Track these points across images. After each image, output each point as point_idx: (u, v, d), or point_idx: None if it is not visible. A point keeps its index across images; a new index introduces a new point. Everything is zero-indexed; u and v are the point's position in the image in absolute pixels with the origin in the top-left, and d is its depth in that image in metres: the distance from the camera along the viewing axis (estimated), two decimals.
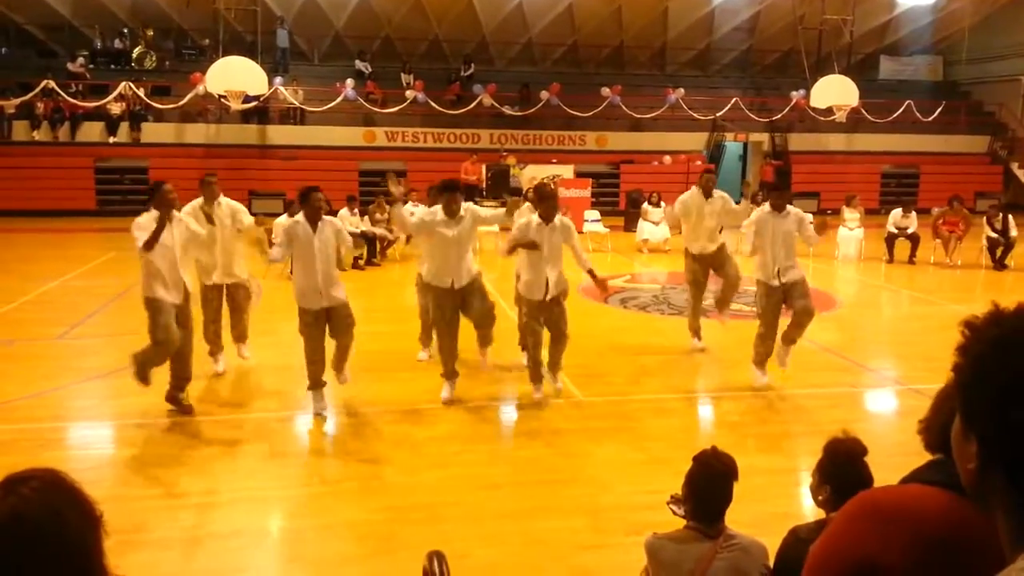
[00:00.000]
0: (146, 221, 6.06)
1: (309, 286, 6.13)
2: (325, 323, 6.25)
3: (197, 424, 6.19)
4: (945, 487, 1.31)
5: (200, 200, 7.14)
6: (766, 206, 7.15)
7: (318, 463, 5.72)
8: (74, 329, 9.01)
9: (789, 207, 7.09)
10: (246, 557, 4.38)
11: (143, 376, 6.05)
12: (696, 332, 8.30)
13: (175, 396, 6.30)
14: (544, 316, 6.61)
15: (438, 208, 6.47)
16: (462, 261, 6.49)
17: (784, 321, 7.09)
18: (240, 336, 7.49)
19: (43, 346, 8.37)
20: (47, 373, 7.39)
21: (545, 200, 6.57)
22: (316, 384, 6.32)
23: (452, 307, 6.52)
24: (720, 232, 8.32)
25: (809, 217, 7.42)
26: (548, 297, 6.53)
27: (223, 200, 7.25)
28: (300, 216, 6.21)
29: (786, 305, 7.04)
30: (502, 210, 7.00)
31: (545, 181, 8.34)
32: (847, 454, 2.69)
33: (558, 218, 6.56)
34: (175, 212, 6.23)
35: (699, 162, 21.72)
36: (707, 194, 8.08)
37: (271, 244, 6.26)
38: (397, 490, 5.15)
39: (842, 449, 2.71)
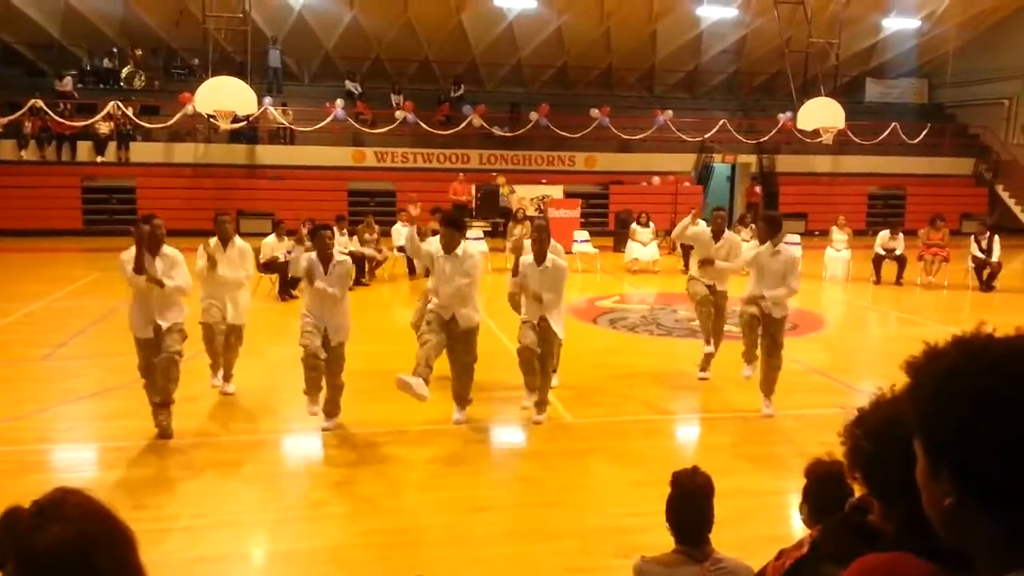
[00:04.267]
0: (127, 256, 6.04)
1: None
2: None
3: (183, 447, 6.12)
4: (936, 558, 1.32)
5: (215, 240, 7.10)
6: (757, 245, 7.07)
7: (303, 486, 5.67)
8: (59, 350, 8.94)
9: (783, 247, 6.98)
10: None
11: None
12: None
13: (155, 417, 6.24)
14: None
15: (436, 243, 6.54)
16: (460, 301, 6.45)
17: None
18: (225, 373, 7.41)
19: (28, 367, 8.29)
20: (32, 394, 7.31)
21: (539, 232, 6.67)
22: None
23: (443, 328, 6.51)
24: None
25: (797, 246, 7.37)
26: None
27: (237, 242, 7.20)
28: (313, 255, 6.26)
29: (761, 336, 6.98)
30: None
31: (542, 219, 8.38)
32: (829, 475, 2.71)
33: (550, 258, 6.61)
34: (166, 249, 6.16)
35: (687, 183, 21.86)
36: (716, 236, 7.90)
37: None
38: (383, 513, 5.11)
39: (825, 470, 2.73)
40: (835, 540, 1.82)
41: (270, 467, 5.93)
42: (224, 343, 7.20)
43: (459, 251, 6.45)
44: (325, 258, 6.26)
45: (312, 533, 4.85)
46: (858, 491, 2.65)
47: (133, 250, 6.00)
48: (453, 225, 6.55)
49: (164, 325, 6.07)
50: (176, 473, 5.70)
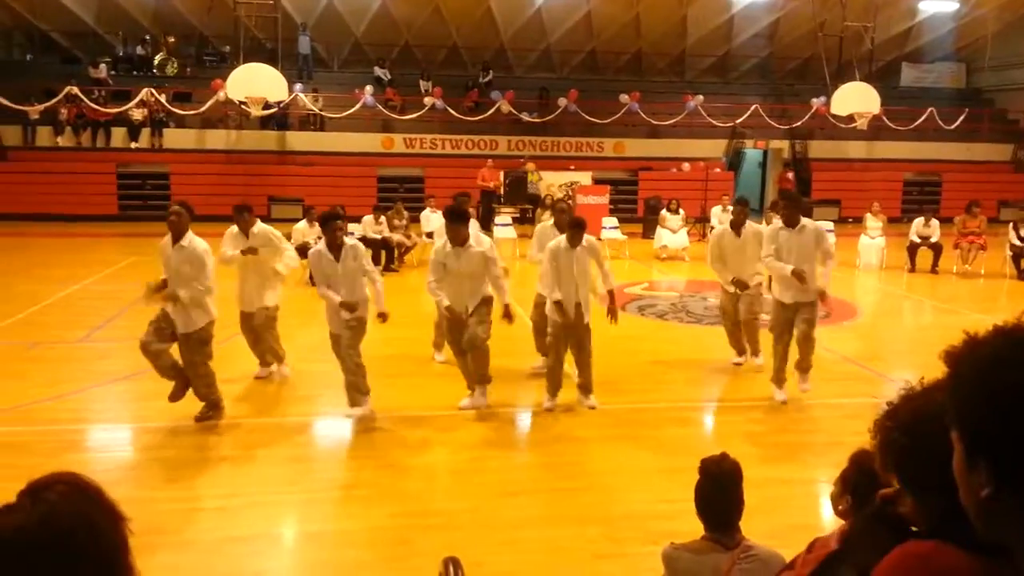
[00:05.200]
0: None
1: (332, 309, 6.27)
2: None
3: (217, 428, 6.22)
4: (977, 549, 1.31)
5: (235, 229, 7.19)
6: (777, 222, 6.96)
7: (335, 468, 5.73)
8: (95, 332, 9.10)
9: (806, 221, 6.82)
10: (263, 561, 4.40)
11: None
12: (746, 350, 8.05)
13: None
14: (570, 335, 6.65)
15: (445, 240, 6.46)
16: (472, 291, 6.49)
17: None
18: (260, 356, 7.48)
19: (65, 349, 8.45)
20: (69, 376, 7.46)
21: (574, 227, 6.56)
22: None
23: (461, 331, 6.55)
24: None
25: (830, 232, 7.19)
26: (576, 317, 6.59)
27: (257, 228, 7.24)
28: (322, 245, 6.25)
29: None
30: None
31: (565, 203, 8.32)
32: (873, 466, 2.65)
33: (585, 239, 6.59)
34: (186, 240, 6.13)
35: (718, 169, 21.63)
36: (737, 229, 7.71)
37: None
38: (413, 496, 5.15)
39: (869, 460, 2.67)
40: (866, 534, 1.79)
41: (300, 449, 6.00)
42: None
43: (471, 241, 6.42)
44: (336, 247, 6.20)
45: (342, 515, 4.90)
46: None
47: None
48: (458, 219, 6.45)
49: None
50: (208, 454, 5.79)
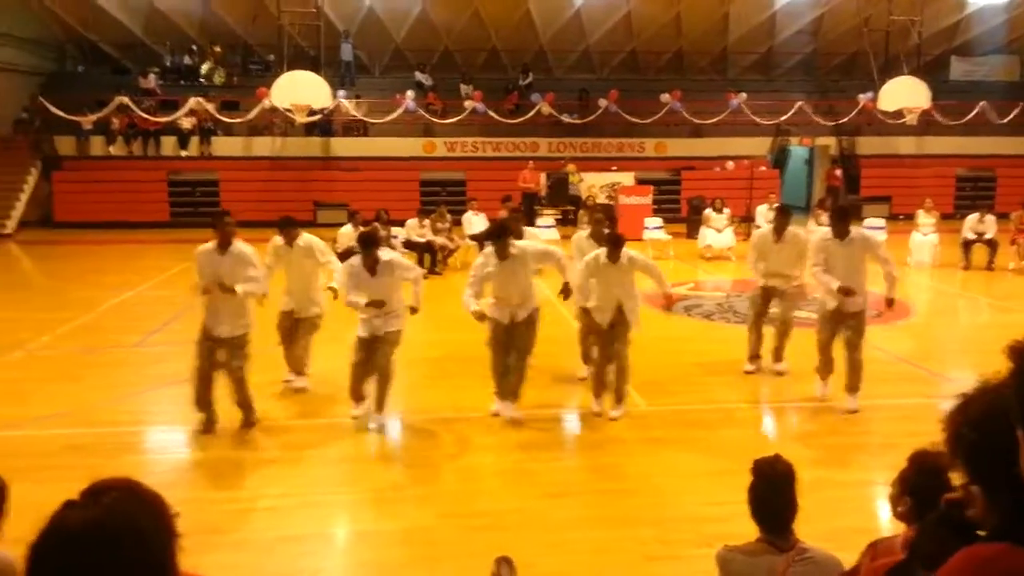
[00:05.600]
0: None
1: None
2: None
3: (267, 430, 6.33)
4: None
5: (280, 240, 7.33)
6: (828, 233, 6.80)
7: (383, 469, 5.79)
8: (150, 337, 9.33)
9: (853, 230, 6.69)
10: (315, 560, 4.46)
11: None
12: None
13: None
14: (604, 340, 6.64)
15: (490, 253, 6.44)
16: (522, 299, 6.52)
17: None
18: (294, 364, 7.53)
19: (121, 353, 8.68)
20: (125, 379, 7.67)
21: (613, 243, 6.51)
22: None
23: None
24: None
25: (881, 230, 7.07)
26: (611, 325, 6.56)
27: (301, 240, 7.35)
28: (357, 261, 6.32)
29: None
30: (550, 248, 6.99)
31: (600, 211, 8.25)
32: (934, 467, 2.60)
33: (624, 254, 6.51)
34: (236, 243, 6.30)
35: (763, 167, 21.35)
36: (778, 234, 7.60)
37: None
38: (461, 497, 5.18)
39: (929, 461, 2.61)
40: (933, 541, 1.75)
41: (351, 450, 6.08)
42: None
43: (514, 251, 6.39)
44: (372, 265, 6.25)
45: (391, 515, 4.95)
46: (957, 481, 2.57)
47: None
48: (501, 235, 6.43)
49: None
50: (261, 455, 5.89)
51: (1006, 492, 1.42)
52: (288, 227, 7.33)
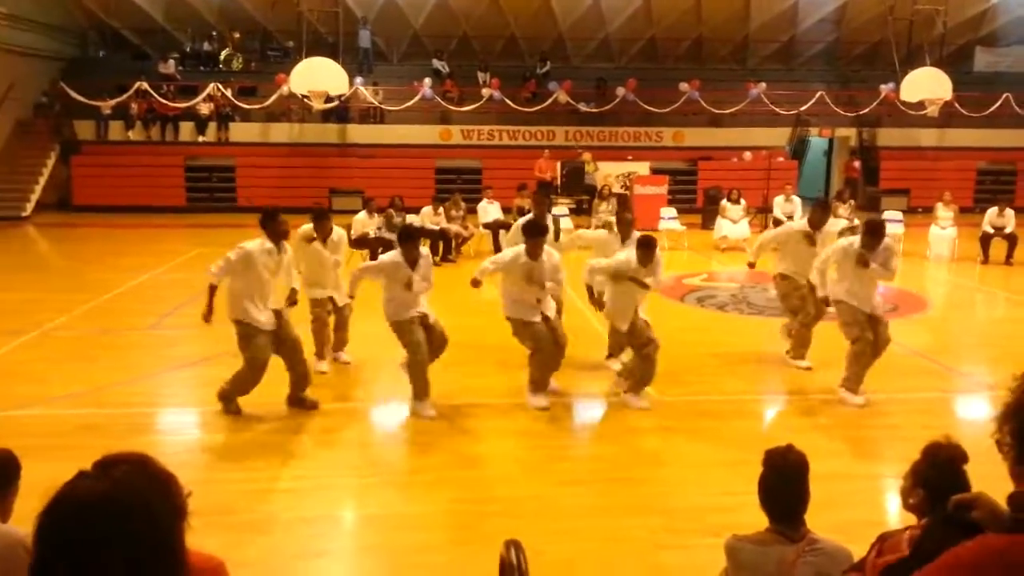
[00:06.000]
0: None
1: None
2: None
3: (282, 414, 6.36)
4: None
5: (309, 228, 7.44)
6: (855, 243, 6.66)
7: (396, 454, 5.82)
8: (164, 320, 9.40)
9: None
10: (326, 542, 4.49)
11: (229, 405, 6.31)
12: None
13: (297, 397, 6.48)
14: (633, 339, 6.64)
15: (520, 251, 6.45)
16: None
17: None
18: (339, 344, 7.75)
19: (136, 336, 8.75)
20: (139, 361, 7.73)
21: (647, 249, 6.45)
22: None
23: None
24: None
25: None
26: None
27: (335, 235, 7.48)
28: (399, 257, 6.31)
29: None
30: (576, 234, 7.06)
31: (617, 194, 8.21)
32: (948, 460, 2.57)
33: (657, 259, 6.54)
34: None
35: (781, 158, 21.17)
36: (813, 236, 7.53)
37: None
38: (473, 483, 5.20)
39: (943, 454, 2.59)
40: (937, 540, 1.73)
41: (365, 435, 6.11)
42: (338, 317, 7.65)
43: (544, 257, 6.41)
44: (413, 262, 6.29)
45: (404, 499, 4.98)
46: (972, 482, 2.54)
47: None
48: (539, 234, 6.45)
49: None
50: (276, 438, 5.92)
51: None
52: (322, 219, 7.38)
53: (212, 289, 6.17)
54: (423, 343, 6.27)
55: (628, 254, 6.56)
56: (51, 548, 1.27)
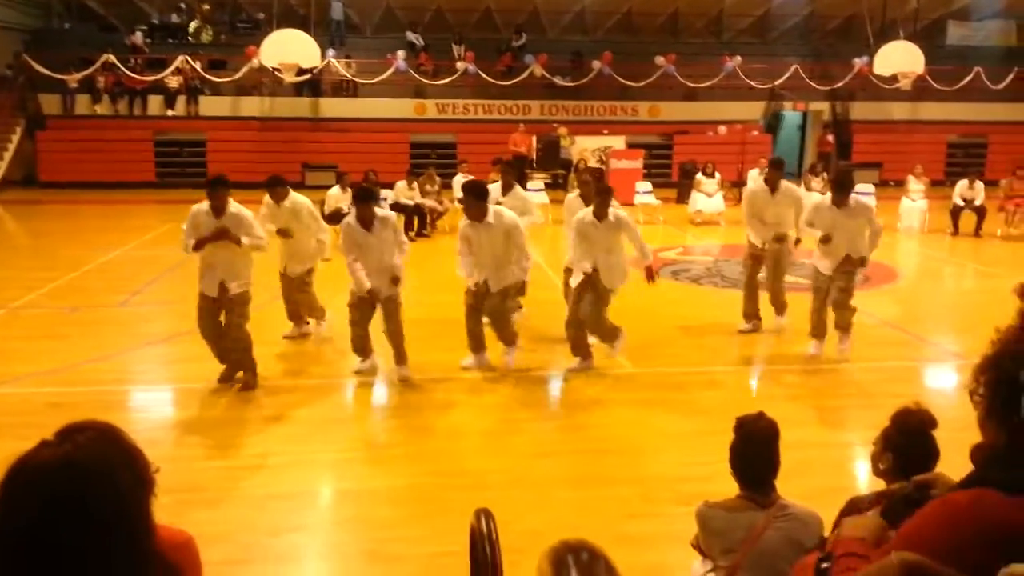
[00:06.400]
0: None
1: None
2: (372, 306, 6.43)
3: (257, 389, 6.30)
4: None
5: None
6: (826, 199, 6.86)
7: (367, 428, 5.81)
8: (135, 296, 9.27)
9: (852, 197, 6.77)
10: (298, 517, 4.47)
11: None
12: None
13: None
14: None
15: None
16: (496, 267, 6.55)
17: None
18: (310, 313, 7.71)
19: (106, 312, 8.62)
20: (109, 338, 7.62)
21: (601, 195, 6.48)
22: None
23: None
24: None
25: (870, 196, 7.19)
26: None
27: (289, 201, 7.39)
28: (352, 219, 6.27)
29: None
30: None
31: (589, 173, 8.23)
32: (917, 425, 2.60)
33: (611, 212, 6.48)
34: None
35: (755, 132, 21.22)
36: (772, 189, 7.60)
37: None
38: (446, 456, 5.20)
39: (912, 420, 2.62)
40: (899, 520, 1.75)
41: (337, 411, 6.08)
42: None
43: (490, 218, 6.37)
44: (367, 222, 6.23)
45: (377, 473, 4.97)
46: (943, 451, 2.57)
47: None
48: (476, 195, 6.45)
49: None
50: (247, 414, 5.88)
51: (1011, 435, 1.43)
52: (276, 186, 7.27)
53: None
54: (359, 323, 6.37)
55: (585, 211, 6.61)
56: (10, 511, 1.25)
